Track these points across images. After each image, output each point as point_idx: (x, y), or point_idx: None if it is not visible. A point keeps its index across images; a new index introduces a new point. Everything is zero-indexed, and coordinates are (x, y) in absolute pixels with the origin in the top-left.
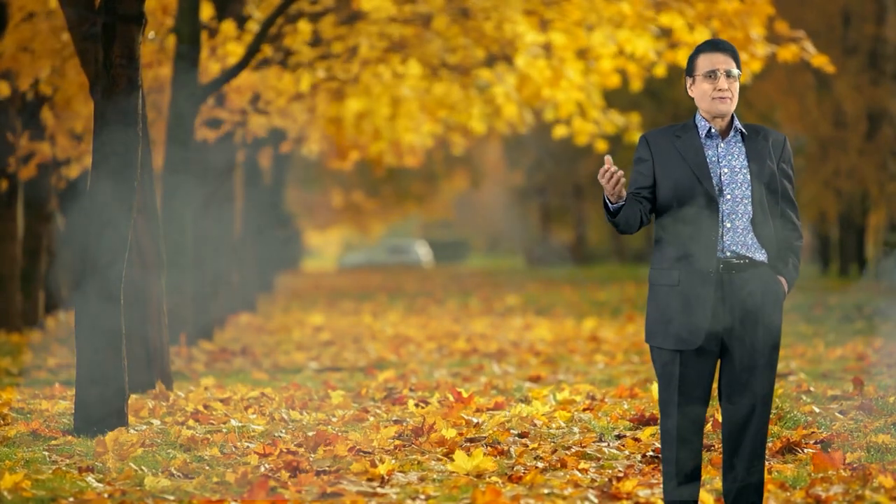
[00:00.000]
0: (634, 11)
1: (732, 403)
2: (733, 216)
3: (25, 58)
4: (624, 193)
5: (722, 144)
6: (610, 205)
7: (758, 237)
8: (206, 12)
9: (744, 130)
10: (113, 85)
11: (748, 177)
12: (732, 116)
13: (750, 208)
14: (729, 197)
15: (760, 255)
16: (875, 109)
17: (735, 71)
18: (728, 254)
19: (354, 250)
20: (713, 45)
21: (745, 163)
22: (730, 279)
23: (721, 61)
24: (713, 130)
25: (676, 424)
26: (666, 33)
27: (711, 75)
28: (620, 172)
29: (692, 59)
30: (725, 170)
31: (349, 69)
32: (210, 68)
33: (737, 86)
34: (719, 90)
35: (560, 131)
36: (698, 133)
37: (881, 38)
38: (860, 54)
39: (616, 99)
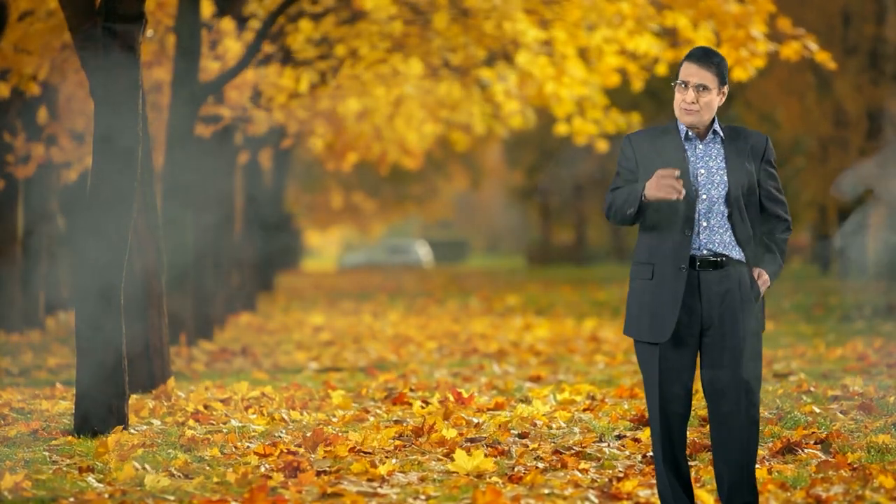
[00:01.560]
0: (634, 12)
1: (714, 400)
2: (709, 215)
3: (21, 57)
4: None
5: (700, 146)
6: (641, 202)
7: (734, 236)
8: (206, 11)
9: (723, 133)
10: (113, 84)
11: (724, 178)
12: (713, 120)
13: (725, 208)
14: (705, 197)
15: (736, 254)
16: (875, 109)
17: (709, 84)
18: (704, 252)
19: (354, 250)
20: (694, 56)
21: (723, 164)
22: (706, 276)
23: (694, 73)
24: (691, 134)
25: (659, 417)
26: (669, 32)
27: (683, 86)
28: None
29: (679, 65)
30: (702, 171)
31: (352, 71)
32: (210, 67)
33: (709, 99)
34: (685, 101)
35: (562, 129)
36: (679, 135)
37: (881, 38)
38: (860, 54)
39: (617, 99)
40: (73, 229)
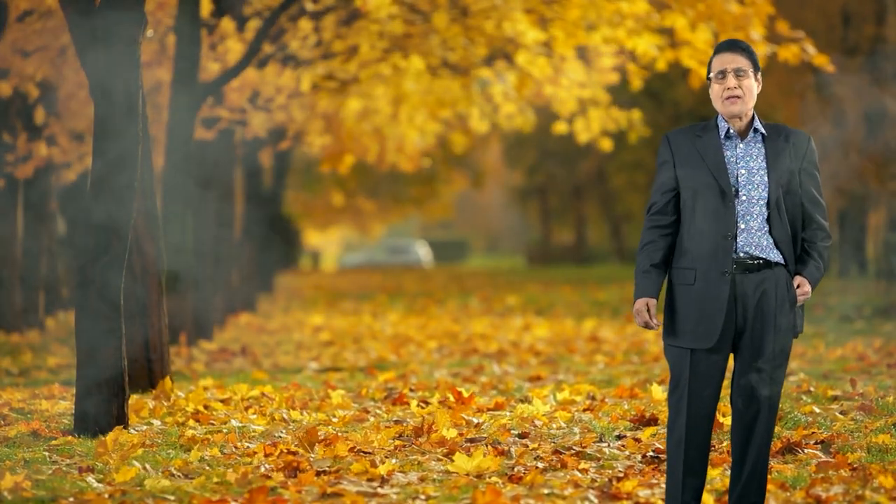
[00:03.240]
0: (633, 11)
1: (743, 403)
2: (748, 217)
3: (20, 58)
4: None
5: (741, 145)
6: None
7: (773, 238)
8: (206, 10)
9: (764, 131)
10: (113, 84)
11: (765, 178)
12: (753, 116)
13: (765, 210)
14: (745, 198)
15: (775, 256)
16: (875, 109)
17: (745, 68)
18: (741, 254)
19: (355, 250)
20: (725, 46)
21: (763, 164)
22: (742, 280)
23: (729, 60)
24: (732, 131)
25: (686, 422)
26: (668, 31)
27: (721, 76)
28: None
29: (709, 62)
30: (742, 171)
31: (349, 69)
32: (210, 67)
33: (749, 83)
34: (727, 89)
35: (561, 128)
36: (718, 133)
37: (881, 38)
38: (860, 54)
39: (616, 98)
40: (72, 229)
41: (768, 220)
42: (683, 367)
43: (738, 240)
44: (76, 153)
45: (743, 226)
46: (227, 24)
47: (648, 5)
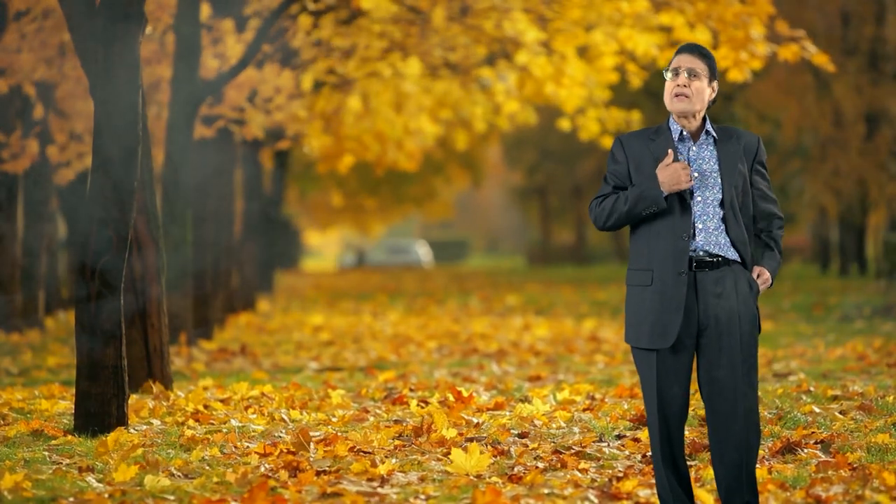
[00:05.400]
0: (633, 10)
1: (712, 400)
2: (705, 217)
3: (18, 56)
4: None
5: (693, 147)
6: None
7: (729, 237)
8: (206, 10)
9: (715, 134)
10: (113, 83)
11: (719, 179)
12: (704, 119)
13: (720, 210)
14: (700, 199)
15: (732, 254)
16: (875, 110)
17: (699, 70)
18: (701, 253)
19: (354, 250)
20: (685, 48)
21: (716, 166)
22: (703, 277)
23: (686, 61)
24: (685, 133)
25: (657, 420)
26: (668, 30)
27: (675, 73)
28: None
29: (669, 62)
30: (696, 173)
31: (348, 69)
32: (209, 64)
33: (700, 86)
34: (677, 86)
35: (564, 124)
36: (671, 136)
37: (881, 38)
38: (860, 55)
39: (616, 98)
40: (73, 229)
41: (724, 219)
42: (650, 368)
43: (697, 239)
44: (76, 152)
45: (700, 225)
46: (227, 23)
47: (648, 3)
